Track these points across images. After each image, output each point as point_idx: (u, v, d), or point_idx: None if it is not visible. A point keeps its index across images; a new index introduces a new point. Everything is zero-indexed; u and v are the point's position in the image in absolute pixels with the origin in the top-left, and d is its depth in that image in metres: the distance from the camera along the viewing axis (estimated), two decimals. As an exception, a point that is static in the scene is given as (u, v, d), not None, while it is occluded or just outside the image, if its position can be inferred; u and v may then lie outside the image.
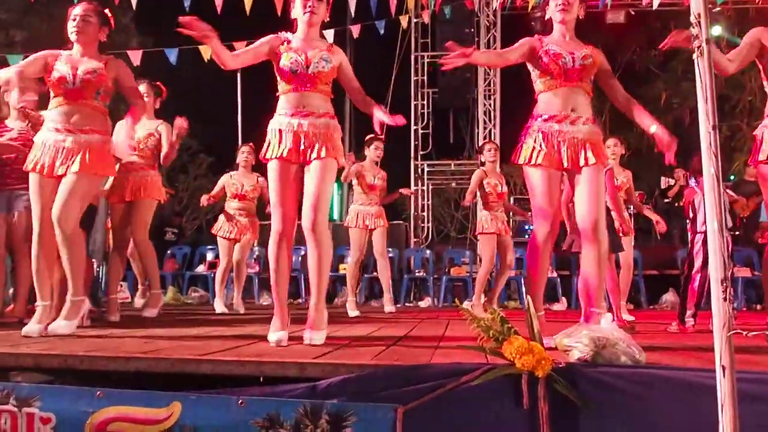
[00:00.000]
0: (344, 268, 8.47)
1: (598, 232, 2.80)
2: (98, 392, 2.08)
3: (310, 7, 2.89)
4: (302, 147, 2.83)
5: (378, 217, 5.64)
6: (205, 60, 7.67)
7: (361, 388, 2.00)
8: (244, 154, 5.94)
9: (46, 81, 3.20)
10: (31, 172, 3.17)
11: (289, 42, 2.94)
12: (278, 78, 2.94)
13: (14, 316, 4.03)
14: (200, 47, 7.70)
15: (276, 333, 2.81)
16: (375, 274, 7.83)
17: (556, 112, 2.85)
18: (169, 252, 9.14)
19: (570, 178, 2.92)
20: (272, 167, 2.89)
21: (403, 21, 8.50)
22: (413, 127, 10.71)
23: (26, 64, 3.22)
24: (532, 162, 2.84)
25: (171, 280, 8.74)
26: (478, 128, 10.57)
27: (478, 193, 5.84)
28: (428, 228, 11.07)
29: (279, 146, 2.85)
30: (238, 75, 8.79)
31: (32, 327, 3.04)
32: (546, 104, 2.89)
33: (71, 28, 3.16)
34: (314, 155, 2.82)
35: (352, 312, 5.44)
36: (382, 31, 8.12)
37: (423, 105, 10.93)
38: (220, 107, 9.69)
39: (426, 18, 9.89)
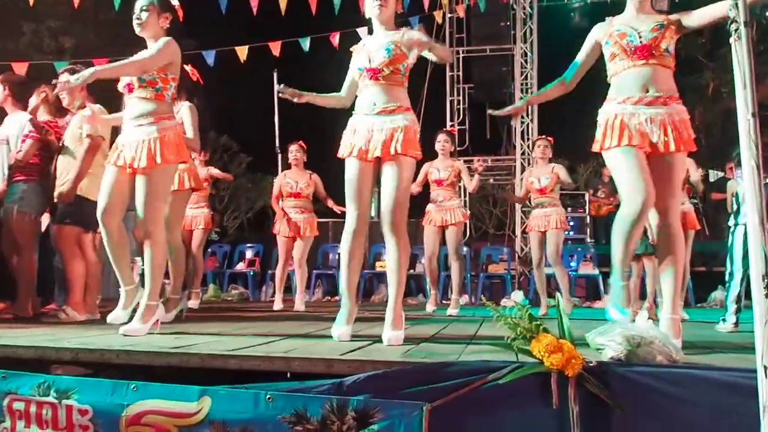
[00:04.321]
0: (381, 266, 8.50)
1: (669, 224, 2.69)
2: (133, 386, 2.12)
3: (378, 1, 2.88)
4: (376, 145, 2.82)
5: (450, 212, 5.46)
6: (242, 61, 7.80)
7: (387, 385, 1.99)
8: (293, 152, 5.96)
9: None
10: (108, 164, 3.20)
11: (365, 44, 2.97)
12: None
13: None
14: (237, 48, 7.84)
15: (339, 327, 2.83)
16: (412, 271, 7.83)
17: (630, 94, 2.72)
18: (210, 250, 9.33)
19: (648, 161, 2.74)
20: (347, 165, 2.91)
21: (438, 16, 8.45)
22: (449, 123, 10.64)
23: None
24: (608, 145, 2.73)
25: (212, 278, 8.91)
26: (515, 123, 10.43)
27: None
28: (466, 225, 10.98)
29: (353, 145, 2.87)
30: (275, 74, 8.87)
31: (118, 313, 3.10)
32: (618, 87, 2.77)
33: (134, 23, 3.20)
34: (387, 154, 2.81)
35: (431, 308, 5.42)
36: (415, 27, 8.08)
37: (459, 101, 10.85)
38: (257, 107, 9.82)
39: (461, 12, 9.81)
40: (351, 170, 2.90)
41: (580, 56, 2.94)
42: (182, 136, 3.40)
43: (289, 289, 8.90)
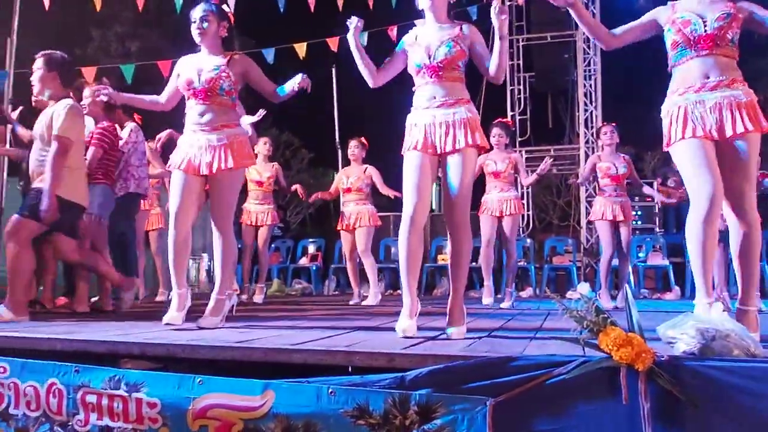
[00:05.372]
0: (443, 259, 8.45)
1: (745, 211, 2.55)
2: (198, 379, 2.17)
3: None
4: (438, 140, 2.80)
5: (507, 202, 5.41)
6: (301, 58, 7.88)
7: (449, 380, 1.96)
8: (351, 148, 6.04)
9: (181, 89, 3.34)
10: (176, 169, 3.28)
11: (417, 36, 2.93)
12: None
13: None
14: (295, 45, 7.93)
15: (403, 322, 2.79)
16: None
17: (692, 84, 2.62)
18: (273, 246, 9.53)
19: (717, 148, 2.61)
20: (407, 157, 2.88)
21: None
22: (510, 113, 10.45)
23: (168, 89, 3.43)
24: (674, 139, 2.62)
25: (276, 273, 9.11)
26: (578, 111, 10.14)
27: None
28: (529, 216, 10.78)
29: (413, 140, 2.85)
30: (333, 70, 8.93)
31: (173, 314, 3.20)
32: (680, 78, 2.67)
33: (193, 31, 3.30)
34: (451, 146, 2.78)
35: (487, 300, 5.37)
36: (474, 17, 7.95)
37: (519, 90, 10.64)
38: (317, 102, 9.94)
39: (520, 0, 9.60)
40: (411, 162, 2.85)
41: (633, 23, 2.80)
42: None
43: (339, 284, 9.03)
